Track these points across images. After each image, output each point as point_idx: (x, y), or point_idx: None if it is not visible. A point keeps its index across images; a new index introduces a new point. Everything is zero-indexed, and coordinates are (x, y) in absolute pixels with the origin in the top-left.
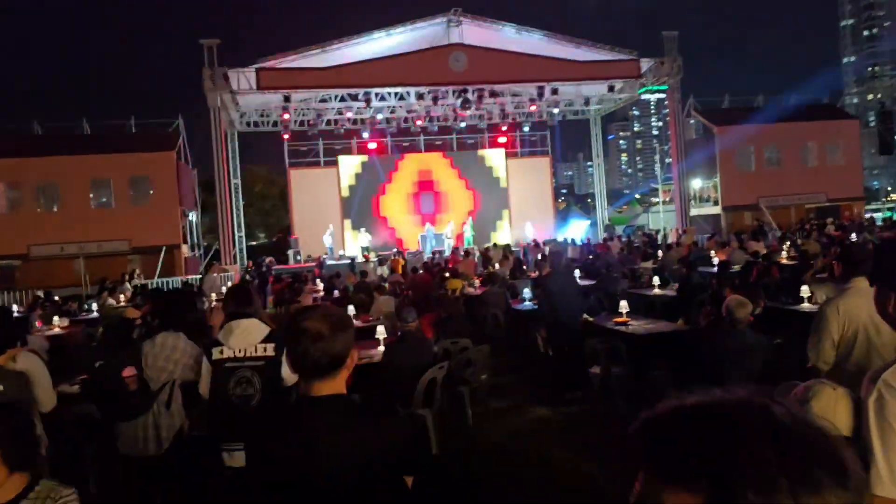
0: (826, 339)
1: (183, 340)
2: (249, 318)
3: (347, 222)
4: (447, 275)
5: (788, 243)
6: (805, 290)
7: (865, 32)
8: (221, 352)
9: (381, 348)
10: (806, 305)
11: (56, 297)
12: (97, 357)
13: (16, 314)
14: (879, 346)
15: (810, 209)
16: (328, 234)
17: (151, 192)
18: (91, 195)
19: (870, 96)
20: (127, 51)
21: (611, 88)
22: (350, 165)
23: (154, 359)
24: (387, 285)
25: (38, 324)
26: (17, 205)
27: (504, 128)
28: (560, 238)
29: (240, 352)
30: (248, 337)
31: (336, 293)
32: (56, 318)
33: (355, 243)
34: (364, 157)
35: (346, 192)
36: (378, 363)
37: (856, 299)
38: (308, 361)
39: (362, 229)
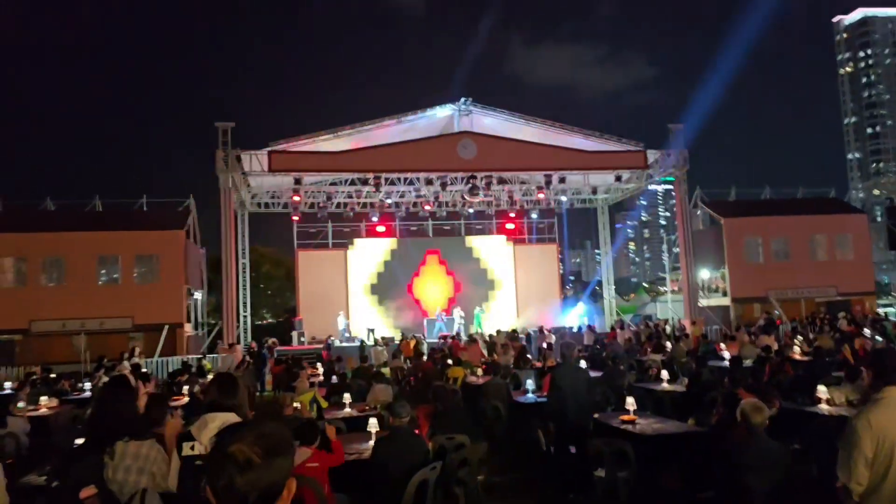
0: (858, 456)
1: (146, 447)
2: (228, 412)
3: (358, 303)
4: (449, 362)
5: (800, 337)
6: (822, 391)
7: (869, 130)
8: (192, 447)
9: (372, 443)
10: (824, 407)
11: (53, 374)
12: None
13: (8, 391)
14: None
15: (821, 303)
16: (341, 316)
17: (158, 270)
18: (98, 271)
19: (875, 192)
20: (143, 131)
21: (618, 178)
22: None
23: (114, 471)
24: (387, 371)
25: (20, 403)
26: (21, 279)
27: (512, 214)
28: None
29: None
30: None
31: (334, 378)
32: (44, 397)
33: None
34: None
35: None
36: (367, 460)
37: (890, 411)
38: (232, 496)
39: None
